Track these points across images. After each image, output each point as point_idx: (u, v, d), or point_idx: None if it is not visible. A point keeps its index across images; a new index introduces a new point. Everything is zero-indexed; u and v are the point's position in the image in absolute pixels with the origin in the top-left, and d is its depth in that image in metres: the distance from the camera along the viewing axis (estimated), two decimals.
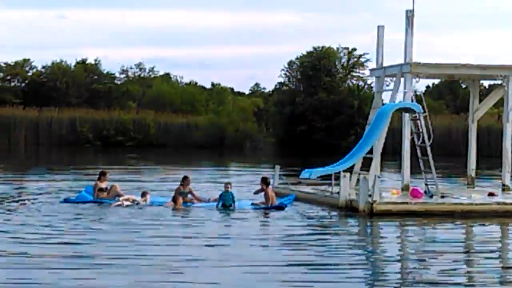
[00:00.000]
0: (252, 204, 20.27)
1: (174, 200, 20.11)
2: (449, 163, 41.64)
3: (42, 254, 12.73)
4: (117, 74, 78.03)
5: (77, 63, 76.82)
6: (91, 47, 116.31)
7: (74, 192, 22.29)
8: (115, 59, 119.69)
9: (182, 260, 12.55)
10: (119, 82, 78.04)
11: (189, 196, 20.67)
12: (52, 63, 74.93)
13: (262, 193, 20.49)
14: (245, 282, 11.21)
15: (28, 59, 75.47)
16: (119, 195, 20.54)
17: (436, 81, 78.11)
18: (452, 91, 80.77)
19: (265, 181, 20.56)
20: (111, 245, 13.91)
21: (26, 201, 20.54)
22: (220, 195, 20.13)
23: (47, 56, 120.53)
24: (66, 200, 20.71)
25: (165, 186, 25.13)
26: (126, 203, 20.01)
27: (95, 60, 77.42)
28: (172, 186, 22.54)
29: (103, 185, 21.10)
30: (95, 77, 76.83)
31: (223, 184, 20.69)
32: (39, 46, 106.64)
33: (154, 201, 20.50)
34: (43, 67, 75.27)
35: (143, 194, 20.75)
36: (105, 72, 77.46)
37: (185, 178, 20.82)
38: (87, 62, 77.25)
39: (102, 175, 21.28)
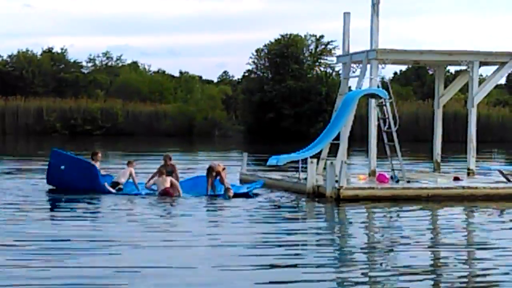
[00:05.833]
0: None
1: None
2: (416, 148, 41.94)
3: None
4: (84, 63, 77.65)
5: (43, 52, 76.19)
6: (57, 36, 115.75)
7: None
8: (82, 48, 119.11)
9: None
10: (86, 71, 77.49)
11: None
12: (18, 52, 74.30)
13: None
14: (211, 265, 11.22)
15: None
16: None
17: (404, 67, 78.71)
18: (419, 77, 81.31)
19: (213, 169, 20.10)
20: None
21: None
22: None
23: (13, 45, 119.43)
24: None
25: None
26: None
27: (62, 49, 76.96)
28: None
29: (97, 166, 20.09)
30: (62, 66, 76.21)
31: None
32: (4, 35, 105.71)
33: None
34: (9, 56, 74.69)
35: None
36: (72, 61, 76.92)
37: (165, 157, 20.61)
38: (54, 51, 76.66)
39: (94, 155, 20.25)
